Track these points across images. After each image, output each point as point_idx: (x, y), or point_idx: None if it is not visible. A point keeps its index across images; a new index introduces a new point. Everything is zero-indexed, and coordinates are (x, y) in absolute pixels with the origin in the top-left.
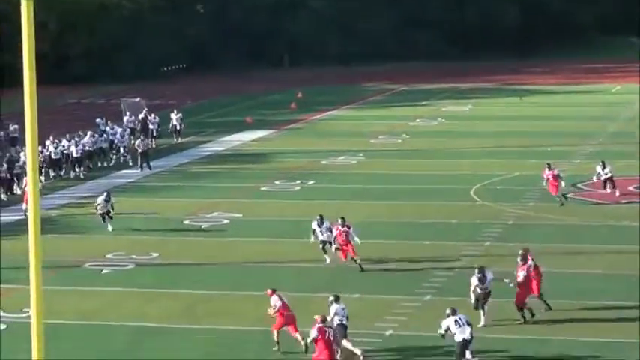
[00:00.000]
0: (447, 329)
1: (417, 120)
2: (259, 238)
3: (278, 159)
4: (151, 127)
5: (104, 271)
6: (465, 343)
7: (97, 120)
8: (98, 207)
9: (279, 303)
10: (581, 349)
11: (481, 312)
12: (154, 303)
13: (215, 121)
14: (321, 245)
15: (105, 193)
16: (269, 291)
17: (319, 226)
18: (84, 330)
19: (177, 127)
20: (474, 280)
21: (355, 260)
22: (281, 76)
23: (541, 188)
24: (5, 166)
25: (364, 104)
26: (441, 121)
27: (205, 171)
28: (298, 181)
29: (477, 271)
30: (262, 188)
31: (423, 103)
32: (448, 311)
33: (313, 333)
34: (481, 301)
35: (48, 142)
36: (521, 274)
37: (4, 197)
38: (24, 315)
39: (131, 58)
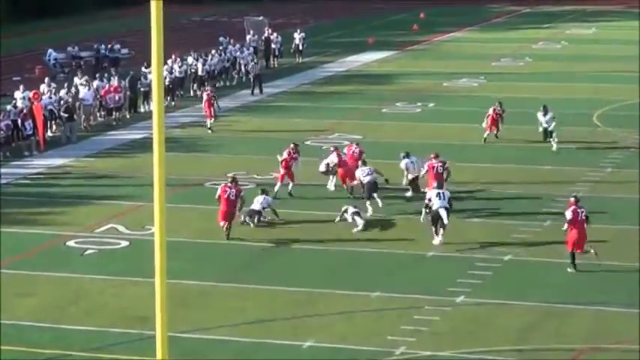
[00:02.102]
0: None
1: (540, 43)
2: (379, 160)
3: (399, 80)
4: (273, 46)
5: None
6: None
7: (221, 38)
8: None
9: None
10: None
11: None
12: (275, 223)
13: (337, 42)
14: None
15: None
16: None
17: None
18: (203, 248)
19: (300, 47)
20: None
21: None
22: None
23: None
24: (127, 84)
25: (487, 26)
26: (564, 44)
27: (326, 92)
28: (419, 103)
29: None
30: (383, 110)
31: (547, 25)
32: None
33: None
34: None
35: (169, 61)
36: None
37: (127, 115)
38: (147, 232)
39: None
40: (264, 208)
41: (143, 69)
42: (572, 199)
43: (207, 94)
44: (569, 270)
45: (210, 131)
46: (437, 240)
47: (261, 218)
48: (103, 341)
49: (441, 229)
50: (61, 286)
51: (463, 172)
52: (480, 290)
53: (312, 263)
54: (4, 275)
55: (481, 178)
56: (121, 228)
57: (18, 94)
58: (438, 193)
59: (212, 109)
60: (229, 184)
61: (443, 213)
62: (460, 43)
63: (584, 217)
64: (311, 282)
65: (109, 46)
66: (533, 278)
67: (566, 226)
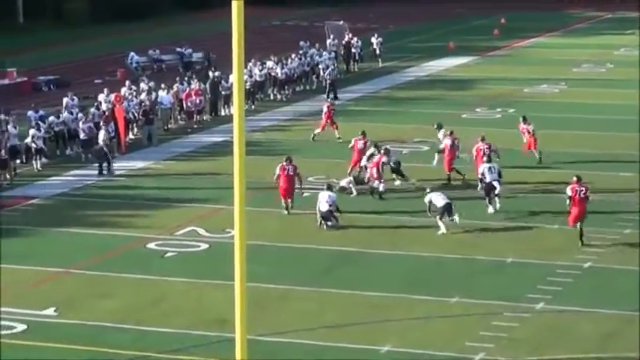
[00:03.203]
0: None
1: (622, 49)
2: (458, 165)
3: (479, 86)
4: (353, 50)
5: (305, 194)
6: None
7: (301, 43)
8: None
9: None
10: None
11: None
12: (353, 227)
13: (417, 46)
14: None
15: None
16: None
17: None
18: (282, 251)
19: (377, 51)
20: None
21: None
22: (485, 1)
23: None
24: (208, 88)
25: (568, 32)
26: None
27: (406, 97)
28: (499, 109)
29: None
30: (463, 115)
31: (629, 31)
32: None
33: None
34: None
35: (250, 64)
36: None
37: (207, 118)
38: (226, 235)
39: None
40: (330, 206)
41: (211, 73)
42: (575, 178)
43: (328, 107)
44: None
45: (312, 139)
46: (491, 209)
47: (335, 215)
48: (182, 343)
49: (496, 198)
50: (141, 287)
51: (542, 177)
52: (559, 297)
53: (390, 268)
54: (85, 276)
55: (562, 184)
56: (201, 231)
57: (102, 97)
58: (490, 167)
59: (329, 122)
60: (286, 163)
61: (496, 184)
62: (541, 48)
63: (583, 196)
64: (389, 287)
65: (189, 49)
66: (613, 285)
67: (567, 201)
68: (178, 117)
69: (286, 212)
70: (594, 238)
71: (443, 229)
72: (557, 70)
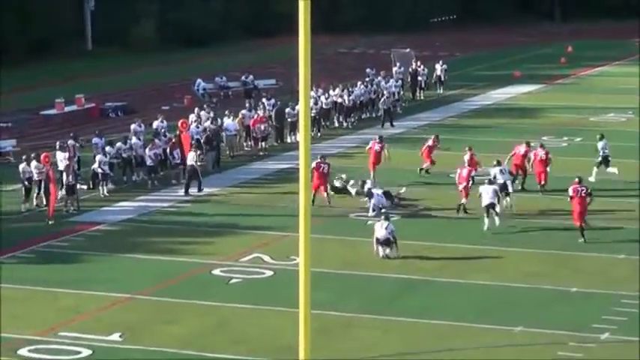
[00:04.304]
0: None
1: None
2: (523, 194)
3: (546, 114)
4: (419, 78)
5: (369, 223)
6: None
7: (367, 70)
8: None
9: None
10: None
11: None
12: (418, 256)
13: (483, 74)
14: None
15: None
16: None
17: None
18: (346, 279)
19: (442, 78)
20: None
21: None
22: (552, 29)
23: None
24: (273, 115)
25: (635, 60)
26: None
27: (472, 125)
28: (565, 137)
29: None
30: (530, 144)
31: None
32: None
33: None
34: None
35: (313, 92)
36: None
37: (272, 145)
38: (291, 262)
39: (402, 7)
40: (390, 234)
41: (265, 100)
42: (577, 179)
43: (433, 140)
44: (579, 241)
45: (421, 172)
46: (503, 204)
47: (394, 245)
48: None
49: (507, 198)
50: (206, 314)
51: (609, 206)
52: (624, 327)
53: (455, 296)
54: (150, 302)
55: (629, 213)
56: (265, 258)
57: (156, 124)
58: (501, 170)
59: (432, 156)
60: (321, 160)
61: (508, 183)
62: (607, 77)
63: (583, 195)
64: (454, 315)
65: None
66: None
67: (569, 199)
68: (244, 144)
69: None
70: None
71: (486, 224)
72: (624, 99)
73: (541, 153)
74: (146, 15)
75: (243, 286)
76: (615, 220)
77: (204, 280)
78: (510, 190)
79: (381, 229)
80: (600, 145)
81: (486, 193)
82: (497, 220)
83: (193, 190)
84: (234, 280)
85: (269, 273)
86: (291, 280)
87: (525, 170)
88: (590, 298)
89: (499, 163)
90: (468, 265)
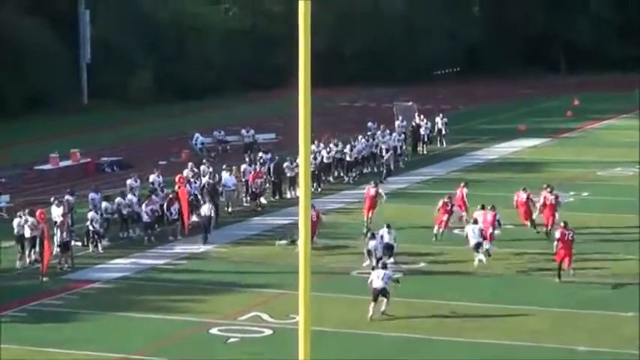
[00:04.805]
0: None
1: None
2: (527, 250)
3: (552, 168)
4: (422, 132)
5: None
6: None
7: (369, 124)
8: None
9: None
10: None
11: None
12: (420, 313)
13: (487, 128)
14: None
15: None
16: None
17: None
18: (348, 339)
19: (443, 132)
20: None
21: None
22: (557, 81)
23: None
24: (272, 169)
25: None
26: None
27: (476, 179)
28: (572, 192)
29: None
30: (535, 198)
31: None
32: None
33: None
34: None
35: (313, 146)
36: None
37: (272, 198)
38: (290, 320)
39: (404, 60)
40: (386, 283)
41: (262, 154)
42: (562, 224)
43: (444, 201)
44: (556, 280)
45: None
46: (476, 261)
47: (387, 294)
48: None
49: (480, 254)
50: None
51: (616, 265)
52: None
53: (456, 356)
54: None
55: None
56: (264, 316)
57: (153, 178)
58: (473, 229)
59: (447, 218)
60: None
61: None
62: (615, 130)
63: (570, 239)
64: None
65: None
66: None
67: (555, 243)
68: (243, 199)
69: None
70: None
71: (476, 261)
72: (631, 153)
73: (550, 197)
74: (143, 67)
75: (242, 346)
76: (622, 275)
77: (201, 339)
78: (485, 247)
79: (377, 280)
80: None
81: (472, 232)
82: (483, 258)
83: (193, 246)
84: (232, 340)
85: (268, 332)
86: (290, 339)
87: (531, 214)
88: (598, 358)
89: (475, 222)
90: (469, 322)
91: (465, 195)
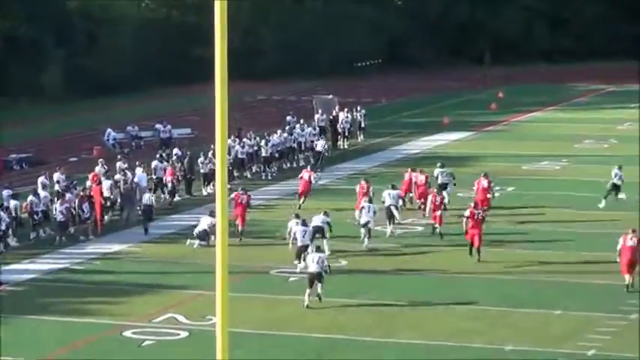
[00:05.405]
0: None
1: (627, 124)
2: (448, 248)
3: (476, 163)
4: (342, 126)
5: (291, 279)
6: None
7: (288, 118)
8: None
9: None
10: None
11: None
12: (343, 313)
13: (410, 121)
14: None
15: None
16: None
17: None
18: (268, 340)
19: (362, 125)
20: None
21: None
22: (481, 73)
23: None
24: (186, 166)
25: (569, 105)
26: None
27: (397, 174)
28: (497, 187)
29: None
30: (459, 194)
31: (633, 105)
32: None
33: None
34: None
35: (229, 141)
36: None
37: (187, 196)
38: (207, 322)
39: (324, 53)
40: (321, 268)
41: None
42: (472, 204)
43: (362, 185)
44: (472, 258)
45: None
46: (389, 231)
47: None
48: None
49: (392, 225)
50: None
51: (545, 257)
52: None
53: (380, 356)
54: None
55: (569, 266)
56: (180, 318)
57: (57, 176)
58: (389, 193)
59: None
60: (242, 191)
61: (394, 210)
62: (541, 123)
63: (480, 218)
64: None
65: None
66: None
67: (465, 220)
68: (154, 197)
69: (239, 240)
70: (599, 324)
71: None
72: (558, 146)
73: (484, 182)
74: (52, 62)
75: (157, 349)
76: (554, 273)
77: (114, 342)
78: (397, 218)
79: (312, 264)
80: (614, 172)
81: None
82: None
83: (106, 246)
84: (147, 342)
85: (184, 334)
86: (207, 341)
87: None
88: (525, 357)
89: (394, 187)
90: (396, 323)
91: (413, 180)
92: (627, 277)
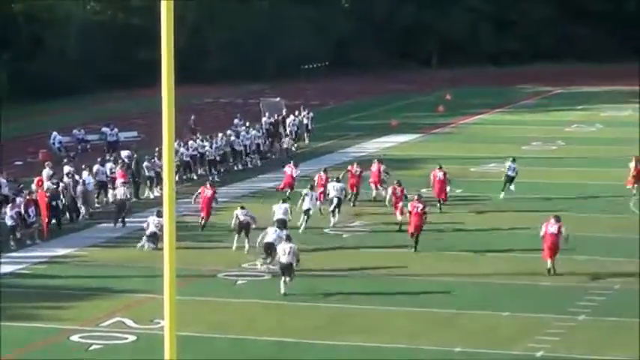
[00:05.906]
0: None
1: (574, 125)
2: (391, 249)
3: (424, 165)
4: (289, 129)
5: (239, 282)
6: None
7: (235, 120)
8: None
9: None
10: None
11: None
12: (291, 316)
13: (358, 124)
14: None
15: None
16: None
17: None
18: (217, 343)
19: (308, 127)
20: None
21: None
22: (429, 75)
23: None
24: (133, 169)
25: (516, 107)
26: (598, 127)
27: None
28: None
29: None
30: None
31: (580, 107)
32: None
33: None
34: None
35: (174, 144)
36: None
37: (134, 199)
38: (155, 326)
39: (271, 55)
40: (292, 258)
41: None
42: (416, 197)
43: (320, 176)
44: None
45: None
46: (333, 221)
47: (292, 271)
48: None
49: (336, 216)
50: None
51: (492, 261)
52: None
53: (334, 358)
54: None
55: (517, 268)
56: (128, 321)
57: (0, 181)
58: (334, 185)
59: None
60: (208, 186)
61: (335, 200)
62: (488, 125)
63: (420, 212)
64: None
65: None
66: None
67: (408, 213)
68: (95, 200)
69: (201, 230)
70: (547, 326)
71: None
72: (505, 149)
73: (439, 174)
74: None
75: (104, 353)
76: (503, 274)
77: (61, 347)
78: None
79: (284, 255)
80: (508, 164)
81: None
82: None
83: (53, 250)
84: (94, 347)
85: (132, 338)
86: (155, 344)
87: (358, 188)
88: (475, 359)
89: (338, 180)
90: (346, 325)
91: (380, 171)
92: (549, 262)
